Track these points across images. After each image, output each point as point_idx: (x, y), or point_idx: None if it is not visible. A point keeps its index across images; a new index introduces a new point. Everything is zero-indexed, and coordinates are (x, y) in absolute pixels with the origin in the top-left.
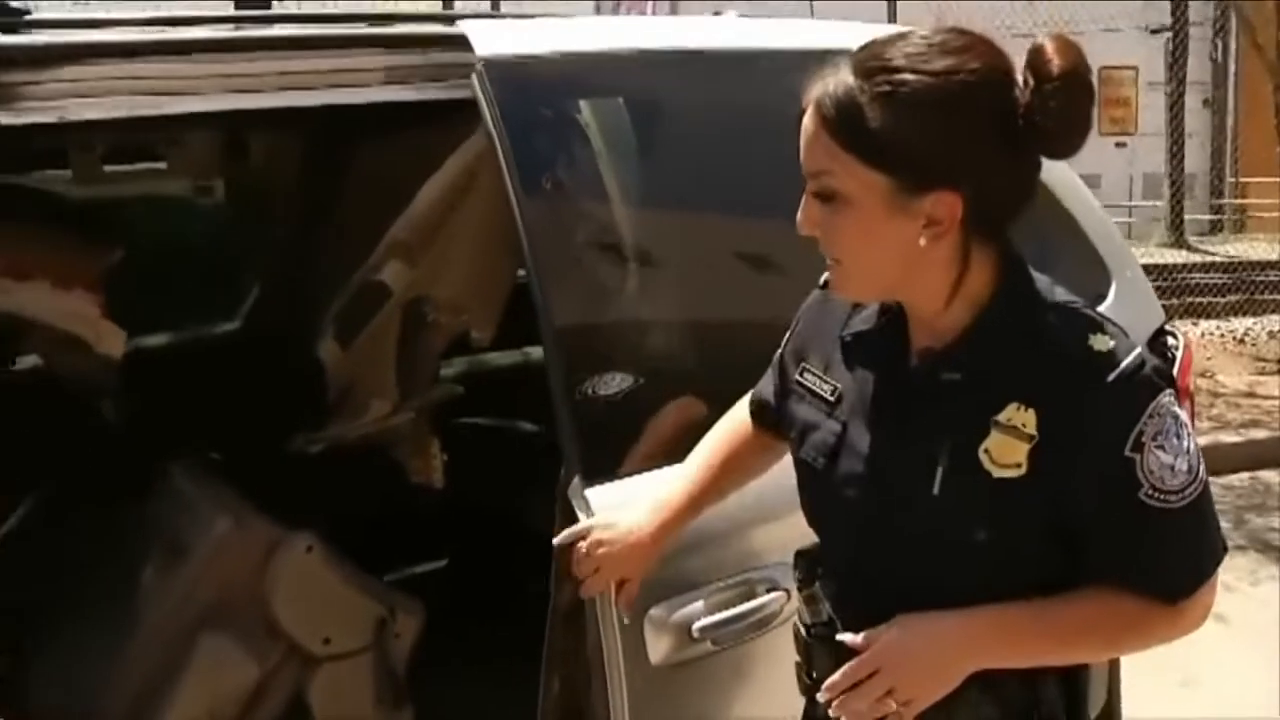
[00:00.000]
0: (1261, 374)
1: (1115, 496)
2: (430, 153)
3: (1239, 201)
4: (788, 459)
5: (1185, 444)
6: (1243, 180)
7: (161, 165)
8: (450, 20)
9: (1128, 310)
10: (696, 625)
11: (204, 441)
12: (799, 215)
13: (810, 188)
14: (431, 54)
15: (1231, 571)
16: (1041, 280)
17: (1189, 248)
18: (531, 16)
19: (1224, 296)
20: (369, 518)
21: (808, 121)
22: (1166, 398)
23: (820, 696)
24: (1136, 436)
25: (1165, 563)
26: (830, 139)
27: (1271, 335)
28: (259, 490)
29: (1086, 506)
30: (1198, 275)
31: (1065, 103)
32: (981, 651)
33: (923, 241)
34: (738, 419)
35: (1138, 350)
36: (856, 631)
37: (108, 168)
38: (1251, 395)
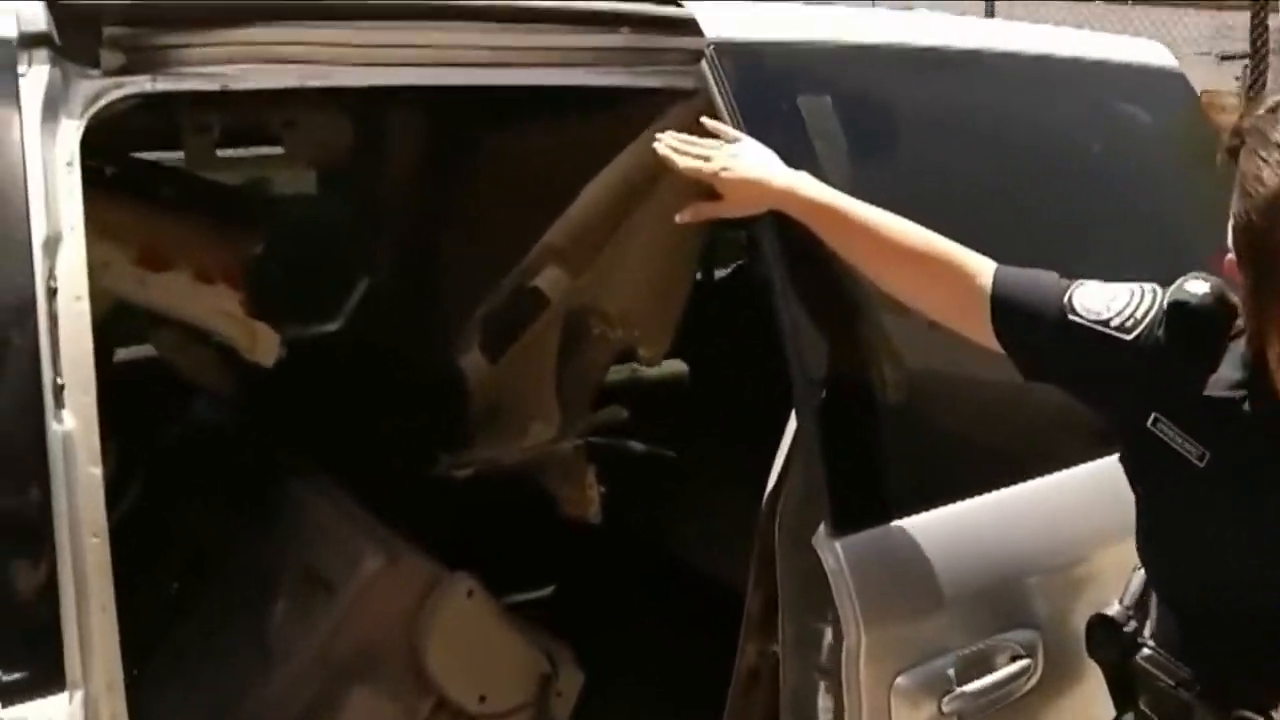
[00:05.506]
0: None
1: None
2: (594, 146)
3: None
4: None
5: None
6: None
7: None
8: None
9: None
10: (947, 699)
11: (321, 454)
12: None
13: None
14: (656, 36)
15: None
16: None
17: None
18: None
19: None
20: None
21: None
22: None
23: None
24: None
25: None
26: None
27: None
28: (387, 515)
29: None
30: None
31: None
32: None
33: None
34: (970, 271)
35: None
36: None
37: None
38: None
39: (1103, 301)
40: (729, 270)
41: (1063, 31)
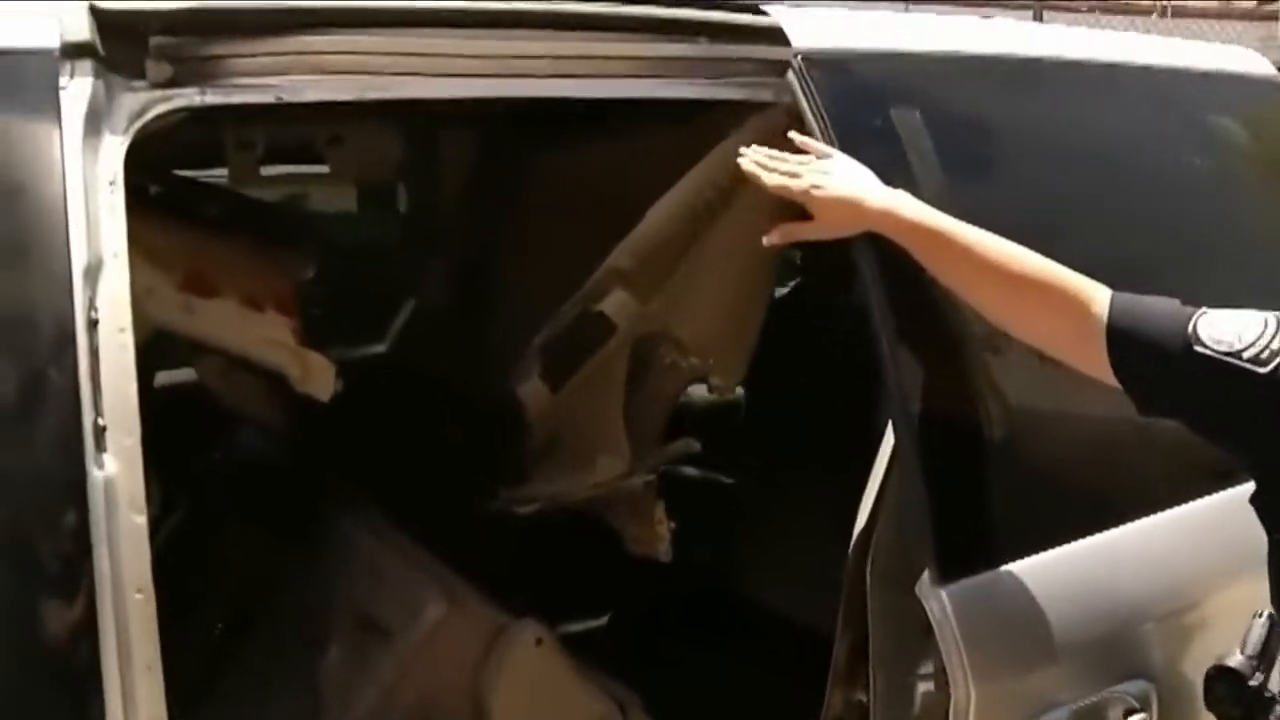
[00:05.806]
0: None
1: None
2: (663, 162)
3: None
4: None
5: None
6: None
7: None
8: (753, 8)
9: None
10: None
11: (369, 484)
12: None
13: None
14: (739, 45)
15: None
16: None
17: None
18: None
19: None
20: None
21: None
22: None
23: None
24: None
25: None
26: None
27: None
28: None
29: None
30: None
31: None
32: None
33: None
34: (1084, 298)
35: None
36: None
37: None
38: None
39: (1232, 331)
40: (787, 290)
41: (1159, 40)
